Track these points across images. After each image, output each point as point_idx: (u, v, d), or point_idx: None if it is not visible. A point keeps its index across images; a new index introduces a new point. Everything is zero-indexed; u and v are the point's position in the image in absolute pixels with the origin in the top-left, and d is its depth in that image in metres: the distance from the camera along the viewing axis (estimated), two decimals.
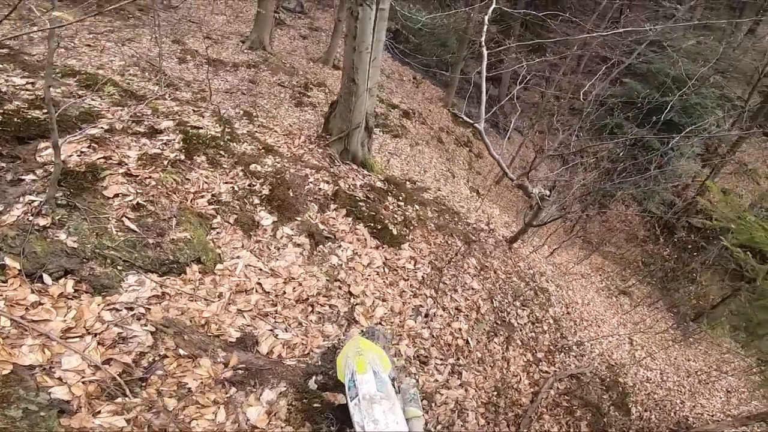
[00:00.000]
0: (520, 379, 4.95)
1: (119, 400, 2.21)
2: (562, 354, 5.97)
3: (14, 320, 2.26)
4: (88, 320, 2.43)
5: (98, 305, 2.53)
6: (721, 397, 8.91)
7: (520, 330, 5.51)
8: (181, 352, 2.54)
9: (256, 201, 3.98)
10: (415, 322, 4.09)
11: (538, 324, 5.97)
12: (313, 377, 2.88)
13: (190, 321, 2.79)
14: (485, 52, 5.04)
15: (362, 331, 3.49)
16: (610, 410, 5.97)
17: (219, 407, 2.44)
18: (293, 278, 3.52)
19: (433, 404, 3.67)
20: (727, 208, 5.36)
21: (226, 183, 3.93)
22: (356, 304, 3.74)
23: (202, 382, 2.49)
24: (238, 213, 3.73)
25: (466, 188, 11.28)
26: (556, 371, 5.52)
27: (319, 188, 4.76)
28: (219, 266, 3.27)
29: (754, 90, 13.00)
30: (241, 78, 9.77)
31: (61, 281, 2.55)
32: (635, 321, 10.31)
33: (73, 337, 2.34)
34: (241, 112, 7.25)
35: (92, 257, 2.68)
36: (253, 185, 4.11)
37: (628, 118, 12.69)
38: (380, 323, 3.77)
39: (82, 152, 3.30)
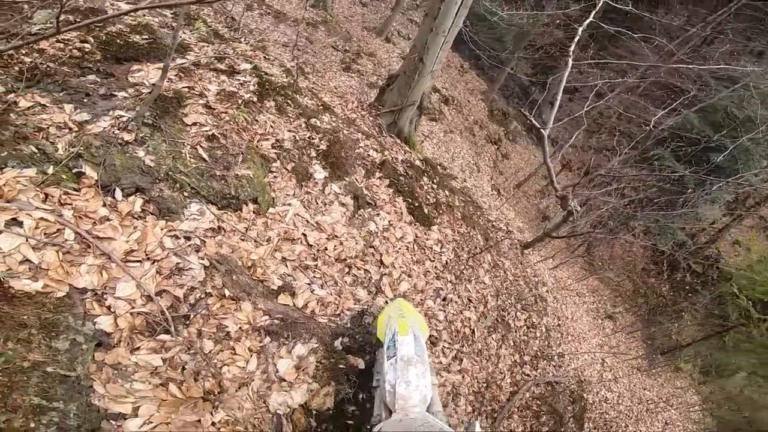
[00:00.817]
0: (505, 376, 5.01)
1: (162, 336, 2.18)
2: (545, 361, 6.04)
3: (79, 234, 2.18)
4: (149, 244, 2.39)
5: (161, 229, 2.50)
6: (658, 428, 9.08)
7: (515, 332, 5.57)
8: (226, 292, 2.54)
9: (313, 154, 3.98)
10: (434, 303, 4.13)
11: (532, 329, 6.03)
12: (340, 338, 2.91)
13: (239, 261, 2.79)
14: (570, 62, 4.96)
15: (386, 302, 3.53)
16: (569, 421, 6.06)
17: (252, 355, 2.45)
18: (336, 236, 3.54)
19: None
20: (758, 263, 5.47)
21: (289, 131, 3.92)
22: (385, 275, 3.76)
23: (240, 327, 2.50)
24: (295, 162, 3.73)
25: (488, 185, 11.25)
26: (536, 376, 5.60)
27: (368, 154, 4.75)
28: (271, 210, 3.28)
29: None
30: (300, 34, 9.65)
31: (131, 198, 2.51)
32: (611, 344, 10.41)
33: (134, 261, 2.29)
34: (296, 66, 7.20)
35: (164, 179, 2.68)
36: (313, 139, 4.10)
37: (675, 152, 12.06)
38: (404, 297, 3.82)
39: (170, 79, 3.32)
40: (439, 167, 7.87)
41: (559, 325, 7.66)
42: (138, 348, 2.10)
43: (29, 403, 1.68)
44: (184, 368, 2.18)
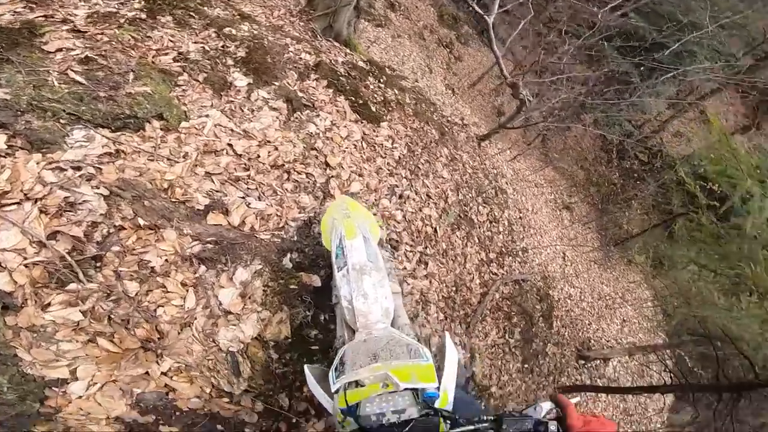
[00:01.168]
0: (473, 277, 4.77)
1: (72, 286, 1.79)
2: (510, 258, 5.85)
3: None
4: (25, 182, 1.91)
5: (37, 163, 2.01)
6: (617, 325, 9.30)
7: (479, 227, 5.31)
8: (141, 222, 2.09)
9: (230, 62, 3.39)
10: (390, 202, 3.77)
11: (495, 224, 5.80)
12: (288, 255, 2.54)
13: (151, 184, 2.32)
14: None
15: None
16: (539, 321, 6.04)
17: (187, 290, 2.07)
18: (269, 141, 3.06)
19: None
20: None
21: (195, 43, 3.30)
22: (332, 177, 3.35)
23: (166, 260, 2.09)
24: (208, 72, 3.15)
25: (442, 85, 10.69)
26: (503, 275, 5.41)
27: (300, 57, 4.15)
28: (184, 124, 2.75)
29: (750, 51, 12.55)
30: None
31: None
32: (570, 237, 10.42)
33: (9, 205, 1.83)
34: None
35: (29, 110, 2.15)
36: (228, 47, 3.49)
37: (621, 48, 11.86)
38: (355, 197, 3.43)
39: (16, 12, 2.63)
40: (387, 69, 7.24)
41: (520, 218, 7.55)
42: (48, 304, 1.74)
43: None
44: (110, 318, 1.83)
